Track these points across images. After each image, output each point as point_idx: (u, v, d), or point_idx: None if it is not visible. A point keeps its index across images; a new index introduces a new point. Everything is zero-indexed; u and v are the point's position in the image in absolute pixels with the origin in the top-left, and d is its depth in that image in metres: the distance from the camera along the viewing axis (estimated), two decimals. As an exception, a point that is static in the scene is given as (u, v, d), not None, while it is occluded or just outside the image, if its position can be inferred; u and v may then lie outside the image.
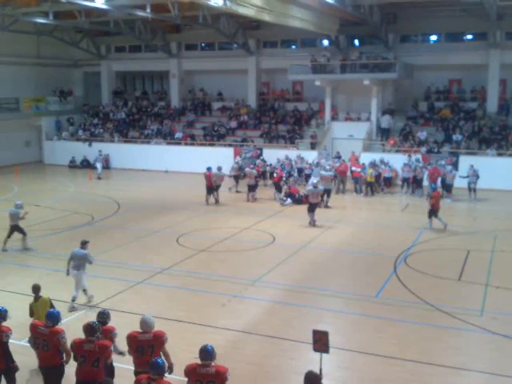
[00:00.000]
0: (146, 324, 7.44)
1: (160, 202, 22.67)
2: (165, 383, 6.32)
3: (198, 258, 15.03)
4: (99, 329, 7.26)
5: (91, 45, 35.92)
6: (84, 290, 11.75)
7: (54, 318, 7.60)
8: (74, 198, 23.92)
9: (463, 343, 10.04)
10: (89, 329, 7.16)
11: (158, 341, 7.38)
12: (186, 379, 6.59)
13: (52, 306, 8.98)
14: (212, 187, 22.18)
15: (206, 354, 6.53)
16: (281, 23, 23.19)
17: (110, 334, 7.66)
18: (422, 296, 12.06)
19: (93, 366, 7.03)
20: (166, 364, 6.66)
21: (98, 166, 29.12)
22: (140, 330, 7.42)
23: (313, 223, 18.41)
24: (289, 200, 22.15)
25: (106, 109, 36.46)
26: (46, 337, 7.44)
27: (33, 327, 7.63)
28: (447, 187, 22.87)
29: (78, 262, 11.52)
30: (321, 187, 19.49)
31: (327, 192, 21.24)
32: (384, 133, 28.67)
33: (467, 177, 22.88)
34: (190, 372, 6.55)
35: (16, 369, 7.71)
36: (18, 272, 13.84)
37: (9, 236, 15.68)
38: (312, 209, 18.44)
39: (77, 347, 7.14)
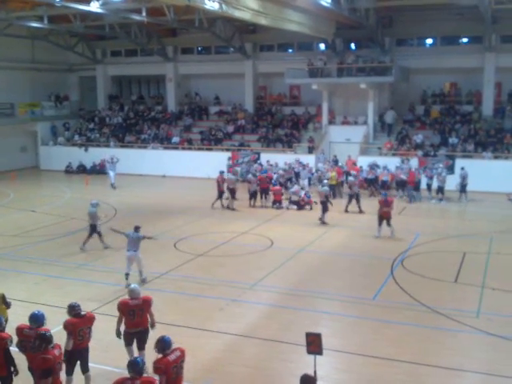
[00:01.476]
0: (134, 292, 8.80)
1: (157, 206, 22.65)
2: (147, 380, 6.48)
3: (196, 263, 15.02)
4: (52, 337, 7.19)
5: (86, 49, 35.86)
6: (127, 273, 12.90)
7: (38, 319, 7.63)
8: (71, 203, 23.87)
9: (460, 344, 10.07)
10: (44, 339, 7.03)
11: (147, 304, 8.74)
12: (159, 376, 6.78)
13: (5, 302, 9.10)
14: (221, 191, 22.02)
15: (168, 343, 7.00)
16: (277, 27, 23.23)
17: (93, 321, 8.25)
18: (418, 298, 12.08)
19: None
20: (146, 364, 6.86)
21: (111, 173, 27.15)
22: (129, 298, 8.73)
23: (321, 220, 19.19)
24: (285, 204, 22.11)
25: (101, 113, 36.45)
26: (31, 338, 7.45)
27: (18, 330, 7.66)
28: (438, 189, 23.11)
29: (134, 245, 12.84)
30: (326, 188, 19.70)
31: (356, 197, 21.01)
32: (388, 128, 28.97)
33: (462, 179, 23.15)
34: (168, 365, 6.79)
35: (16, 373, 7.71)
36: (14, 278, 13.80)
37: (89, 236, 16.03)
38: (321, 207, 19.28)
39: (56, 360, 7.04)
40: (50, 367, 6.91)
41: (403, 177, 23.67)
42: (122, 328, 8.89)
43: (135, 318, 8.65)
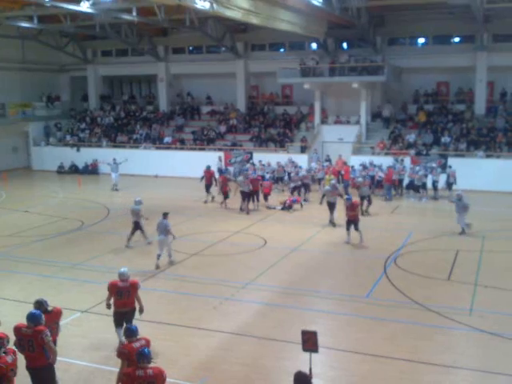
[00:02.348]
0: (124, 275, 9.60)
1: (150, 207, 22.41)
2: (157, 368, 6.75)
3: (190, 262, 15.00)
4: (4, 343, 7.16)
5: (77, 49, 35.71)
6: (159, 255, 14.31)
7: (35, 318, 7.62)
8: (63, 203, 23.77)
9: (452, 341, 10.10)
10: None
11: (134, 287, 9.58)
12: (122, 360, 7.34)
13: None
14: (226, 191, 21.91)
15: (134, 331, 7.53)
16: (268, 26, 23.25)
17: (60, 316, 8.47)
18: (411, 296, 12.12)
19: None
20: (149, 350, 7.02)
21: (114, 175, 26.77)
22: (119, 280, 9.54)
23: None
24: (278, 207, 22.02)
25: (93, 114, 36.30)
26: (30, 337, 7.46)
27: (16, 329, 7.63)
28: (415, 188, 23.37)
29: (164, 230, 14.18)
30: (328, 187, 19.54)
31: (366, 198, 20.28)
32: (385, 121, 29.27)
33: (447, 177, 23.59)
34: (132, 351, 7.16)
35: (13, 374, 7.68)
36: (8, 278, 13.73)
37: (132, 233, 16.25)
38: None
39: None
40: (1, 375, 6.76)
41: (381, 174, 23.73)
42: (112, 309, 9.70)
43: (122, 298, 9.50)
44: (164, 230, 14.24)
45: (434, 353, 9.54)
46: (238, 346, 10.00)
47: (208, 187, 23.16)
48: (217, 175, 24.05)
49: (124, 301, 9.53)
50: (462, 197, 17.57)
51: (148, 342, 7.50)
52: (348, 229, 16.51)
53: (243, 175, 21.68)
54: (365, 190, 20.41)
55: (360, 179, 21.08)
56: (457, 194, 17.90)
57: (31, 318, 7.61)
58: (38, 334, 7.44)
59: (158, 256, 14.28)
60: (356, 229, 16.47)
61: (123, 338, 9.33)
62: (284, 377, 8.68)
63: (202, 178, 23.47)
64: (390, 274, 13.73)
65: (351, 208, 16.51)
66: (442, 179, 23.78)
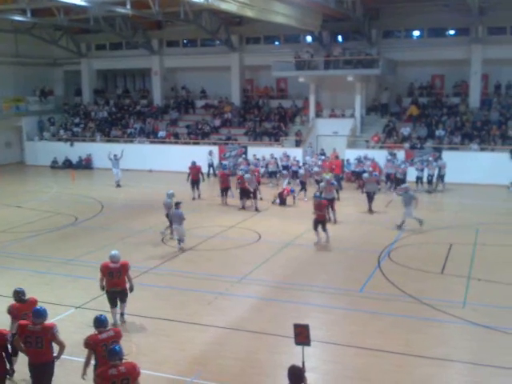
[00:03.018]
0: (115, 257, 10.23)
1: (144, 201, 22.53)
2: (129, 364, 6.71)
3: (184, 257, 14.99)
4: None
5: (71, 43, 35.48)
6: (179, 240, 15.29)
7: (42, 315, 7.66)
8: (57, 198, 23.69)
9: (446, 335, 10.14)
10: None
11: (124, 268, 10.23)
12: (88, 350, 7.42)
13: None
14: (224, 188, 21.60)
15: (101, 321, 7.54)
16: (263, 19, 23.18)
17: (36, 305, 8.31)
18: (405, 289, 12.16)
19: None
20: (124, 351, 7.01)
21: (115, 171, 25.88)
22: (110, 261, 10.20)
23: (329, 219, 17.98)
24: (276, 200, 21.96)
25: (87, 108, 36.11)
26: (38, 334, 7.49)
27: (21, 327, 7.62)
28: (398, 181, 23.29)
29: (178, 219, 15.03)
30: (322, 184, 19.23)
31: (371, 194, 19.74)
32: (384, 108, 29.49)
33: (439, 169, 23.69)
34: (98, 342, 7.32)
35: (12, 373, 7.67)
36: (1, 275, 13.68)
37: (171, 225, 16.34)
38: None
39: None
40: None
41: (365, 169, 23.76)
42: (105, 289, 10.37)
43: (113, 278, 10.16)
44: (179, 219, 15.01)
45: (428, 346, 9.58)
46: (232, 340, 10.02)
47: (194, 183, 22.54)
48: (204, 170, 23.81)
49: (115, 281, 10.16)
50: (409, 189, 17.65)
51: (118, 333, 7.57)
52: (315, 228, 15.76)
53: (251, 172, 21.18)
54: (371, 186, 19.80)
55: (366, 175, 20.33)
56: (404, 187, 17.92)
57: (38, 314, 7.64)
58: (48, 331, 7.52)
59: (179, 241, 15.28)
60: (324, 229, 15.84)
61: (117, 318, 10.25)
62: (279, 371, 8.70)
63: (189, 175, 22.65)
64: (384, 267, 13.77)
65: (318, 207, 15.87)
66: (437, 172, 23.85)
